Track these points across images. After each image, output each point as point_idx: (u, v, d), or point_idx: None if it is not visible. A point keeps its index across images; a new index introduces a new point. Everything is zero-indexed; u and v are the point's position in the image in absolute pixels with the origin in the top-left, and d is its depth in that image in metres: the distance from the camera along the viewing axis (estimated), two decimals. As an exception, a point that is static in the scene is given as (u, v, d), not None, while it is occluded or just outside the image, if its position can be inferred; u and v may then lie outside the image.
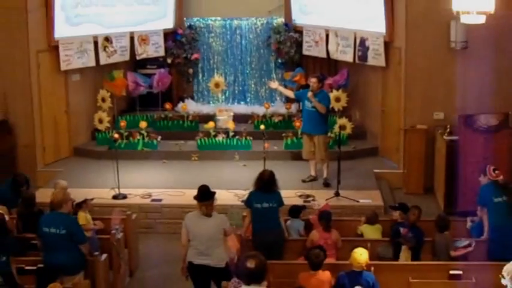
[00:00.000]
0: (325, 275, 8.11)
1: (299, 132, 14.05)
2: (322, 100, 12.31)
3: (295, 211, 10.08)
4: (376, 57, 13.69)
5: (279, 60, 15.64)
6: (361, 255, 8.00)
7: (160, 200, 12.05)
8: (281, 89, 13.49)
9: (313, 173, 12.78)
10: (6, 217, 9.13)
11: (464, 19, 9.01)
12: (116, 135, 12.59)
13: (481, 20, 8.93)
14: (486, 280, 8.24)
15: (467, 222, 9.85)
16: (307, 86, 14.35)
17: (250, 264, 5.94)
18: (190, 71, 15.95)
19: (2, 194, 10.36)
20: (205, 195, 8.40)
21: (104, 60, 14.55)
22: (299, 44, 15.33)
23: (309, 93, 12.26)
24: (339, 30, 14.41)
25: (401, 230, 9.26)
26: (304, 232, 9.82)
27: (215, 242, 8.31)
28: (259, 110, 15.47)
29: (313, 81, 12.36)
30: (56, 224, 8.28)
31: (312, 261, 8.11)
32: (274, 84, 13.43)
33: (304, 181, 12.69)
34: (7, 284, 8.18)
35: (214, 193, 8.47)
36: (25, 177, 10.83)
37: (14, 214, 10.09)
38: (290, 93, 13.34)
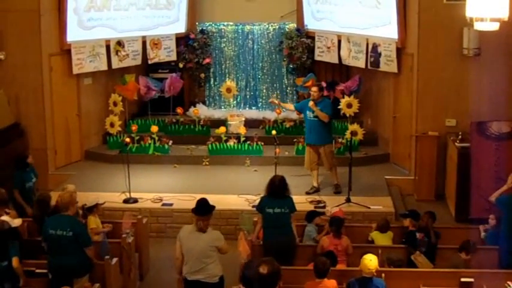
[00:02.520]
0: (330, 284, 8.05)
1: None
2: (324, 108, 12.11)
3: (308, 216, 10.09)
4: (388, 64, 13.67)
5: (291, 66, 15.63)
6: (370, 261, 7.97)
7: (171, 205, 12.05)
8: (282, 104, 13.45)
9: (315, 184, 12.61)
10: (17, 222, 9.14)
11: (478, 26, 8.97)
12: (127, 139, 12.62)
13: (495, 27, 8.89)
14: (497, 288, 8.22)
15: (481, 232, 9.81)
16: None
17: (263, 270, 5.91)
18: (202, 75, 15.97)
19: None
20: (202, 208, 8.28)
21: (116, 64, 14.59)
22: (311, 50, 15.32)
23: (310, 103, 12.06)
24: (351, 36, 14.40)
25: (418, 235, 9.27)
26: (317, 237, 9.81)
27: (207, 259, 8.13)
28: (271, 115, 15.45)
29: (313, 90, 12.19)
30: (62, 226, 8.29)
31: (317, 269, 8.05)
32: (275, 101, 13.38)
33: (308, 193, 12.49)
34: None
35: (213, 208, 8.35)
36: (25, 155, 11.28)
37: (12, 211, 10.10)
38: (291, 107, 13.24)
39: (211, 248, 8.15)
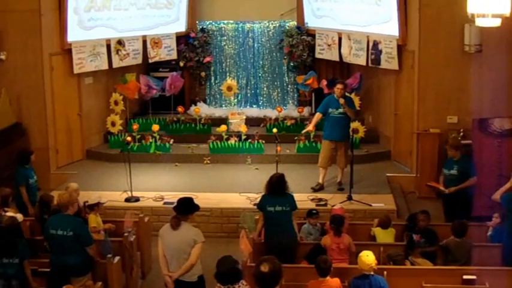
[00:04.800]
0: (334, 282, 8.00)
1: (311, 136, 14.00)
2: (351, 105, 12.31)
3: (307, 214, 10.10)
4: (389, 61, 13.65)
5: (292, 64, 15.62)
6: (367, 256, 7.94)
7: (172, 203, 11.81)
8: (313, 123, 12.60)
9: (321, 181, 12.61)
10: (19, 217, 9.15)
11: (480, 22, 8.95)
12: (129, 138, 12.60)
13: (497, 23, 8.88)
14: (500, 285, 8.22)
15: (489, 232, 9.78)
16: (319, 90, 14.39)
17: (264, 268, 5.89)
18: (203, 74, 15.98)
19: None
20: (177, 206, 8.25)
21: (116, 63, 14.59)
22: (311, 47, 15.31)
23: (341, 100, 12.02)
24: (351, 34, 14.38)
25: (414, 236, 9.26)
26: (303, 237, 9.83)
27: (185, 255, 8.00)
28: (272, 113, 15.45)
29: (340, 87, 12.13)
30: (62, 225, 8.30)
31: (320, 267, 7.96)
32: (310, 128, 12.69)
33: (313, 189, 12.50)
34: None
35: (193, 208, 8.27)
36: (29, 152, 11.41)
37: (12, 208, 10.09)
38: (318, 116, 12.56)
39: (188, 243, 8.00)
